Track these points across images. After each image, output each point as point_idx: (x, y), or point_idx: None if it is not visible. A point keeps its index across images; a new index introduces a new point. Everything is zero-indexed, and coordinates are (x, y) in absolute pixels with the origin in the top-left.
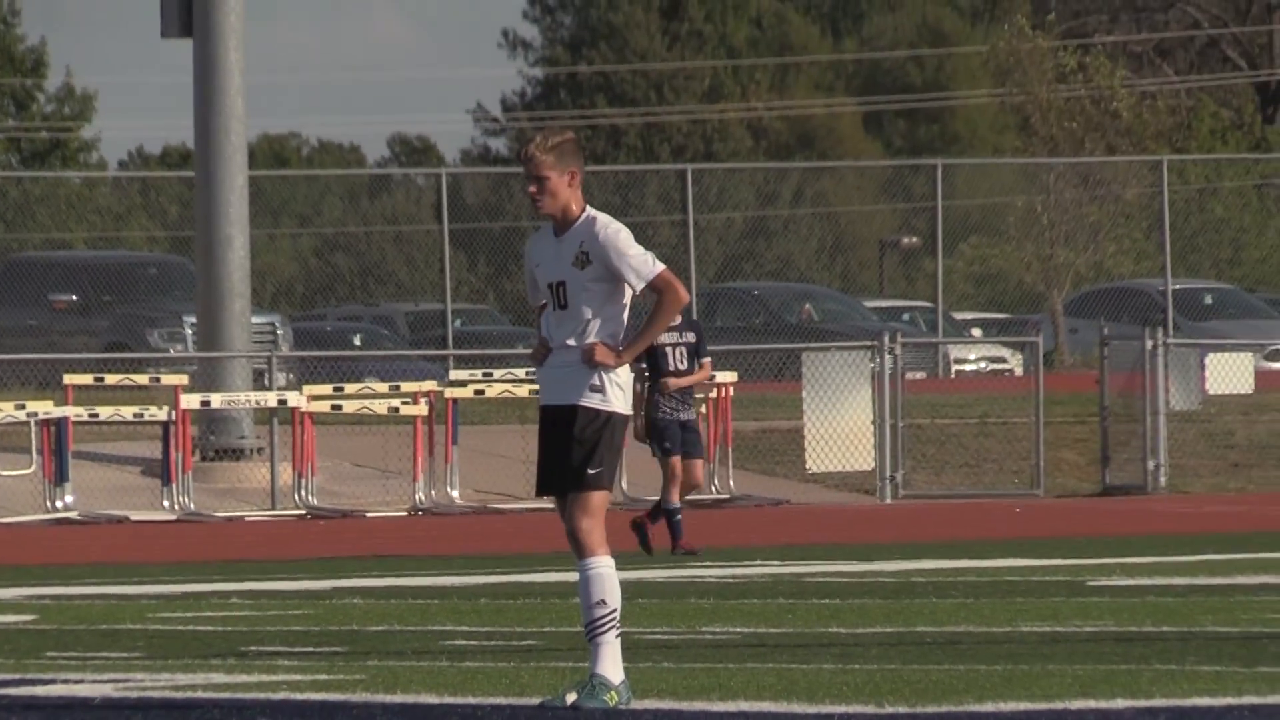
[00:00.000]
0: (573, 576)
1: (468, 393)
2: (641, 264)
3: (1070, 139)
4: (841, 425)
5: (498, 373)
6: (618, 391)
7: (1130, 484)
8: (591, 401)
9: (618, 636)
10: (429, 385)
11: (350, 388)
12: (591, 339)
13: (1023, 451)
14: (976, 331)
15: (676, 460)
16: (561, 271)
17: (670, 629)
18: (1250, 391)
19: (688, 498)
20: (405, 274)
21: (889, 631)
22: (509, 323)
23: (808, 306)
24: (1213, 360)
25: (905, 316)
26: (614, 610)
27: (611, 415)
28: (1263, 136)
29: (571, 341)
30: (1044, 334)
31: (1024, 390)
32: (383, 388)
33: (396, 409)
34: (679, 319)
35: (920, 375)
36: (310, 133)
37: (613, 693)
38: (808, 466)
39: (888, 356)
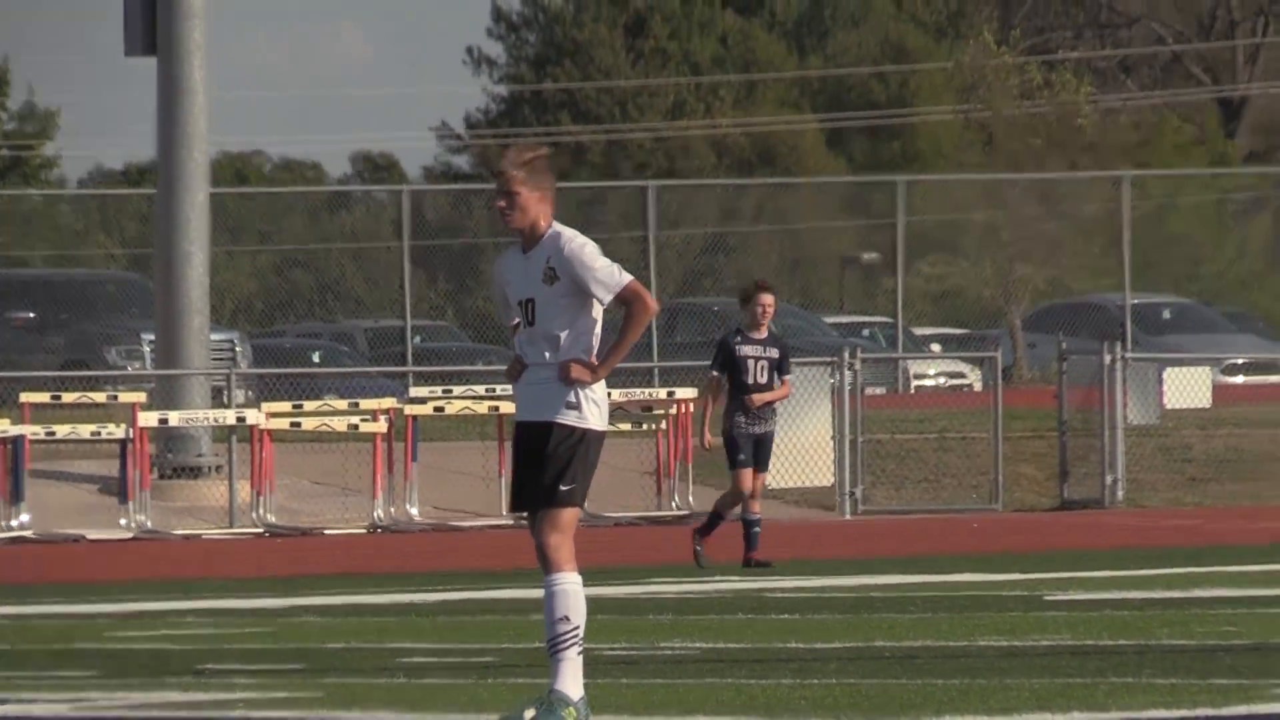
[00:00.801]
0: (532, 593)
1: (427, 410)
2: (608, 276)
3: (1032, 155)
4: (801, 441)
5: (457, 389)
6: (593, 408)
7: (1088, 498)
8: (567, 419)
9: (579, 654)
10: (388, 402)
11: (309, 405)
12: (565, 355)
13: (981, 466)
14: (936, 347)
15: (747, 473)
16: (530, 289)
17: (629, 645)
18: (1208, 406)
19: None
20: (365, 290)
21: (847, 646)
22: (468, 339)
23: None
24: (1171, 375)
25: (865, 332)
26: (577, 627)
27: (586, 432)
28: (1224, 152)
29: (547, 356)
30: (1003, 349)
31: (983, 405)
32: (342, 405)
33: (356, 426)
34: (764, 333)
35: (880, 391)
36: (272, 150)
37: (571, 709)
38: (767, 483)
39: (848, 372)
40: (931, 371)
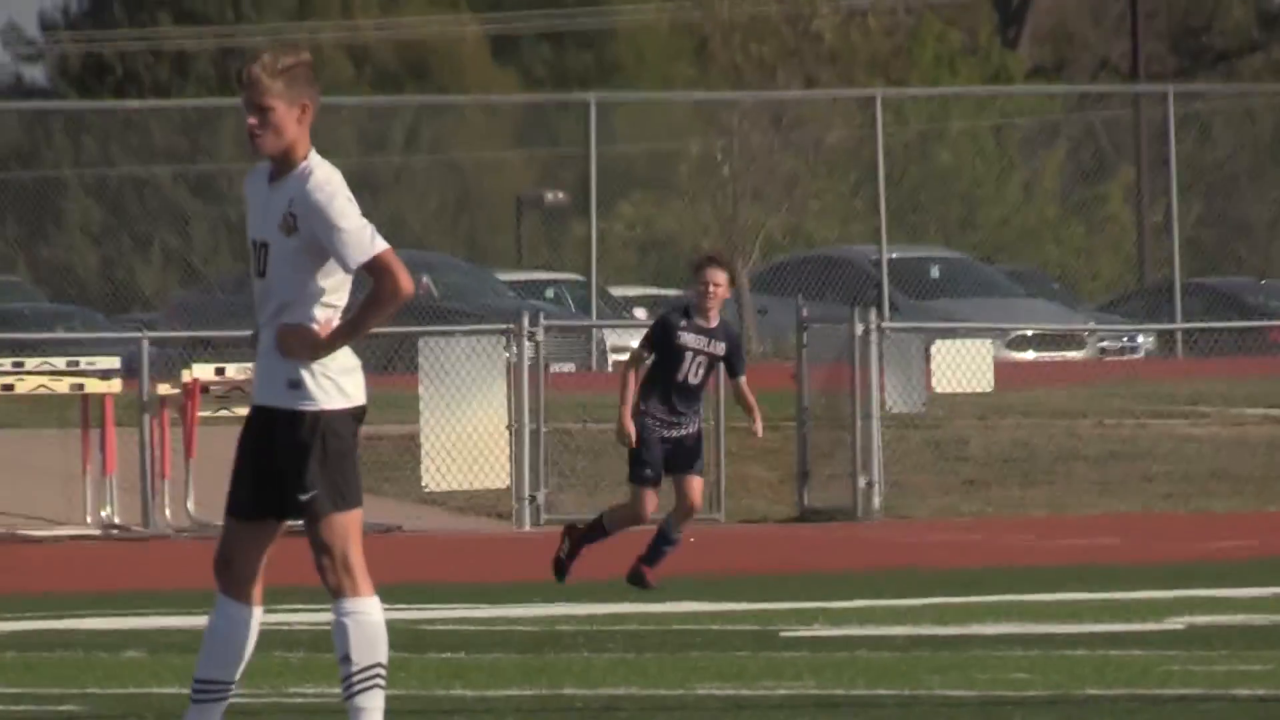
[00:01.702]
0: (121, 623)
1: None
2: (358, 241)
3: (759, 69)
4: (468, 432)
5: (31, 362)
6: (326, 384)
7: (836, 507)
8: (287, 401)
9: (382, 693)
10: None
11: None
12: (292, 320)
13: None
14: (640, 312)
15: (649, 495)
16: (266, 230)
17: (252, 692)
18: (989, 390)
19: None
20: None
21: (528, 695)
22: (45, 299)
23: (425, 279)
24: (941, 350)
25: (549, 293)
26: (367, 668)
27: (319, 416)
28: (1003, 65)
29: (275, 319)
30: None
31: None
32: None
33: None
34: (714, 322)
35: (569, 368)
36: None
37: None
38: (425, 484)
39: (528, 344)
40: (635, 343)
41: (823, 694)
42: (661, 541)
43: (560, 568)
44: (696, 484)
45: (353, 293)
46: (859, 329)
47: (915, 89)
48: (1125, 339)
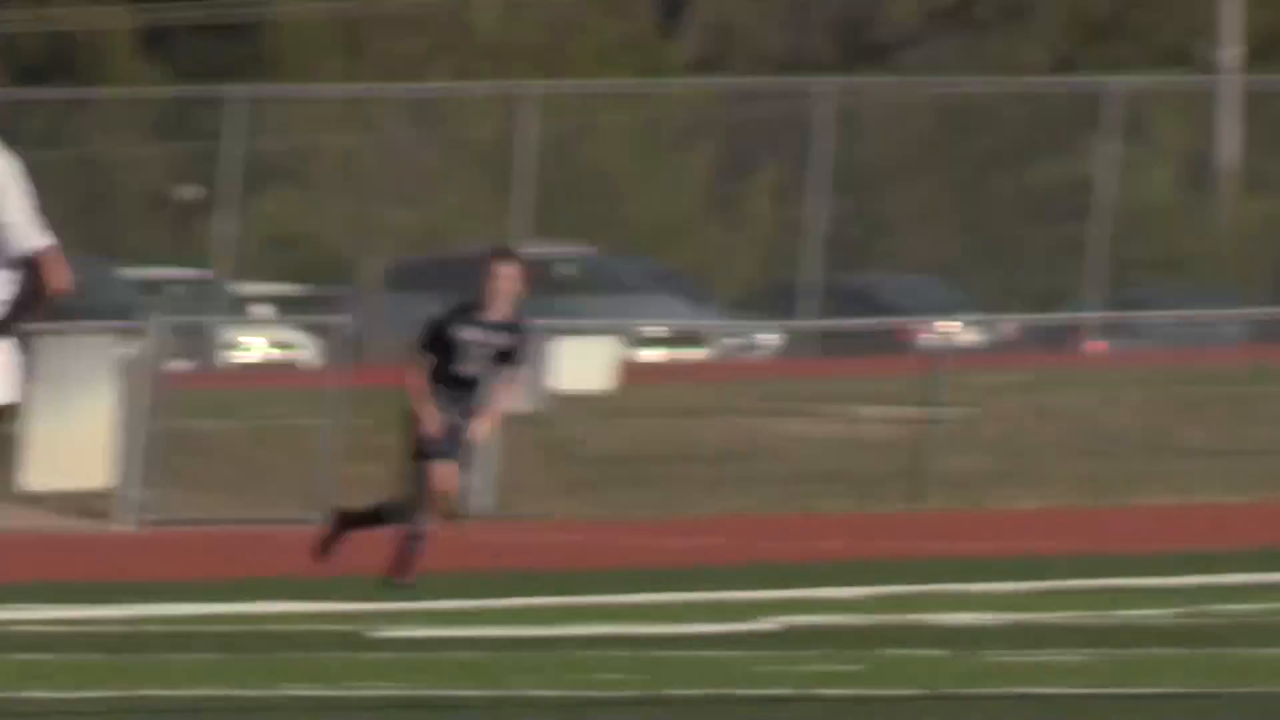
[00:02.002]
0: None
1: None
2: (27, 228)
3: (414, 62)
4: (74, 430)
5: None
6: None
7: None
8: None
9: None
10: None
11: None
12: None
13: (316, 465)
14: (265, 310)
15: (447, 470)
16: None
17: None
18: (609, 389)
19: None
20: None
21: (111, 696)
22: None
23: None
24: (565, 348)
25: (174, 290)
26: None
27: None
28: (662, 58)
29: None
30: (355, 314)
31: (322, 386)
32: None
33: None
34: (499, 315)
35: (187, 365)
36: None
37: None
38: (26, 483)
39: (142, 341)
40: (259, 341)
41: (411, 694)
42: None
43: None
44: (451, 471)
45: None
46: None
47: (561, 82)
48: (751, 337)
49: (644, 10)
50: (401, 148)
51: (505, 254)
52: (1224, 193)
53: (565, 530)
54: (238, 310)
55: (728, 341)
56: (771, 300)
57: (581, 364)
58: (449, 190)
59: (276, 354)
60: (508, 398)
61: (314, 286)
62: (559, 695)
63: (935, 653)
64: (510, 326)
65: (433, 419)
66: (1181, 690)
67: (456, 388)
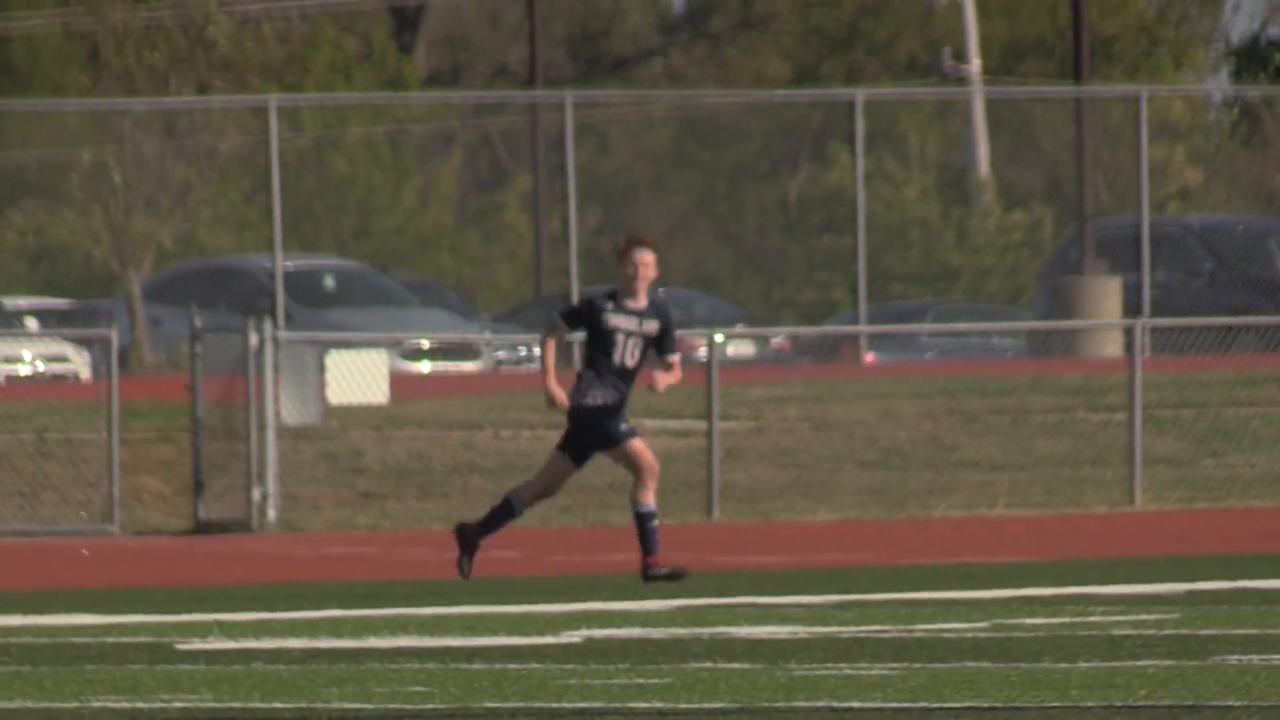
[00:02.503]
0: None
1: None
2: None
3: (151, 76)
4: None
5: None
6: None
7: (231, 519)
8: None
9: None
10: None
11: None
12: None
13: (92, 477)
14: (32, 323)
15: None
16: None
17: None
18: (385, 401)
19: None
20: None
21: None
22: None
23: None
24: (336, 361)
25: None
26: None
27: None
28: (398, 71)
29: None
30: (119, 326)
31: (93, 399)
32: None
33: None
34: (642, 302)
35: None
36: None
37: None
38: None
39: None
40: (27, 355)
41: (219, 707)
42: (642, 522)
43: (464, 563)
44: (642, 444)
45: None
46: (254, 340)
47: (307, 96)
48: (521, 350)
49: (379, 25)
50: (151, 160)
51: (641, 241)
52: (981, 204)
53: (352, 543)
54: (10, 324)
55: (497, 354)
56: (537, 313)
57: (356, 376)
58: (200, 202)
59: (52, 367)
60: (677, 374)
61: (79, 300)
62: (370, 708)
63: (743, 666)
64: (655, 312)
65: (557, 391)
66: (990, 704)
67: (614, 376)
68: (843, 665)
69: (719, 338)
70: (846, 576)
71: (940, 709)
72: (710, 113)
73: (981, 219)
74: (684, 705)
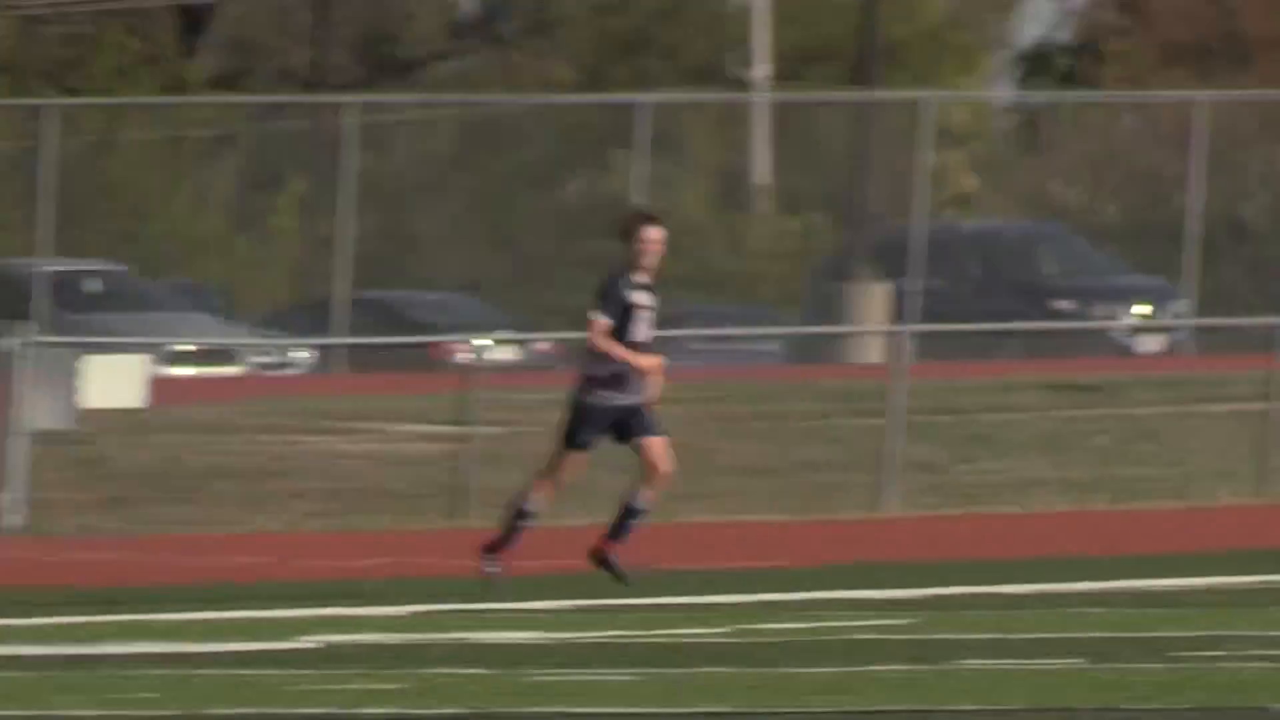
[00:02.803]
0: None
1: None
2: None
3: None
4: None
5: None
6: None
7: None
8: None
9: None
10: None
11: None
12: None
13: None
14: None
15: (581, 460)
16: None
17: None
18: (141, 405)
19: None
20: None
21: None
22: None
23: None
24: (91, 365)
25: None
26: None
27: None
28: (182, 75)
29: None
30: None
31: None
32: None
33: None
34: (650, 276)
35: None
36: None
37: None
38: None
39: None
40: None
41: None
42: (629, 515)
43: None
44: (662, 445)
45: None
46: (16, 344)
47: (82, 100)
48: (281, 354)
49: (164, 27)
50: None
51: (651, 218)
52: (756, 210)
53: (99, 547)
54: None
55: (259, 359)
56: (302, 317)
57: (111, 381)
58: None
59: None
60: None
61: None
62: (101, 715)
63: (479, 671)
64: (653, 290)
65: (648, 360)
66: (732, 710)
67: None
68: (581, 671)
69: (487, 341)
70: (592, 581)
71: (678, 714)
72: (493, 117)
73: (759, 225)
74: (419, 711)
